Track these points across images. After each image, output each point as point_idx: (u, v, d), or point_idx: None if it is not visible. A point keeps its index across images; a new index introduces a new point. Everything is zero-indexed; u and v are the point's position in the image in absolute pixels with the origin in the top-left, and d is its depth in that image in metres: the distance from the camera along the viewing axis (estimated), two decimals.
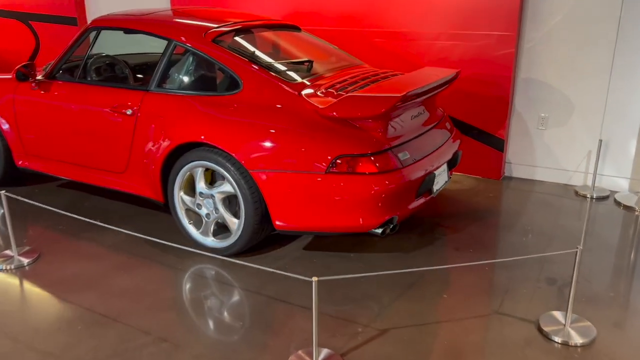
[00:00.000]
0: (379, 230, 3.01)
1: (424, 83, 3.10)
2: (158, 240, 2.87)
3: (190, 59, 3.43)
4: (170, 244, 2.85)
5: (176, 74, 3.44)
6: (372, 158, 2.91)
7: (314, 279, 2.19)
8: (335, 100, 3.00)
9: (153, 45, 4.42)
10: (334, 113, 2.92)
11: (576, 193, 4.39)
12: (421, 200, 3.23)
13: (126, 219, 3.84)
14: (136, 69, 4.45)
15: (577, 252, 2.47)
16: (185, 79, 3.44)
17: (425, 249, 3.42)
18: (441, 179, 3.42)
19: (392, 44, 4.73)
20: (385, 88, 3.10)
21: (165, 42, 3.46)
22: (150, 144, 3.35)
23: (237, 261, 2.64)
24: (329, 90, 3.18)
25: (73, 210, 3.97)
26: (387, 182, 2.91)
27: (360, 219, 2.95)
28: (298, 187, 2.95)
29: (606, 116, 4.32)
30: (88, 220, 3.15)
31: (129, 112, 3.41)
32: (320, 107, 2.98)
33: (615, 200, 4.23)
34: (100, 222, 3.76)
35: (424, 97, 3.21)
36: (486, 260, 3.05)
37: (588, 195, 4.32)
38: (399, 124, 3.16)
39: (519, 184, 4.60)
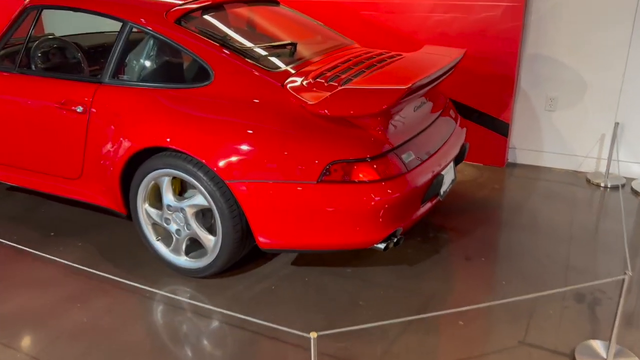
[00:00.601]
0: (382, 246, 2.56)
1: (432, 70, 2.61)
2: (117, 279, 2.38)
3: (150, 44, 2.88)
4: (132, 283, 2.37)
5: (134, 63, 2.89)
6: (372, 163, 2.44)
7: (313, 335, 1.73)
8: (327, 94, 2.50)
9: (112, 23, 3.83)
10: (326, 111, 2.42)
11: (588, 181, 3.98)
12: (427, 206, 2.77)
13: (87, 230, 3.32)
14: (91, 52, 3.87)
15: (624, 279, 2.05)
16: (145, 68, 2.89)
17: (431, 259, 2.99)
18: (448, 177, 2.96)
19: (382, 18, 4.20)
20: (385, 77, 2.61)
21: (119, 24, 2.89)
22: (106, 148, 2.82)
23: (212, 308, 2.18)
24: (317, 80, 2.67)
25: (22, 220, 3.44)
26: (389, 191, 2.44)
27: (360, 235, 2.49)
28: (284, 200, 2.46)
29: (622, 96, 3.89)
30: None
31: (79, 109, 2.86)
32: (309, 102, 2.48)
33: (632, 189, 3.84)
34: (54, 235, 3.27)
35: (431, 87, 2.72)
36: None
37: (602, 184, 3.91)
38: (401, 118, 2.68)
39: (525, 172, 4.17)
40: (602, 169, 4.08)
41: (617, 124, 3.87)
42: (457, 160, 3.12)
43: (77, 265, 2.65)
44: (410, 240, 3.16)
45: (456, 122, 3.24)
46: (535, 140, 4.22)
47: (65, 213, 3.52)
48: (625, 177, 3.98)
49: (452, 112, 3.27)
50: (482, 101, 4.13)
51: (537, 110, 4.14)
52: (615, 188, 3.88)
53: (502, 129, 4.14)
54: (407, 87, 2.36)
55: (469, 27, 3.97)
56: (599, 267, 2.89)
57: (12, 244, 3.07)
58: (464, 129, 3.30)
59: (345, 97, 2.42)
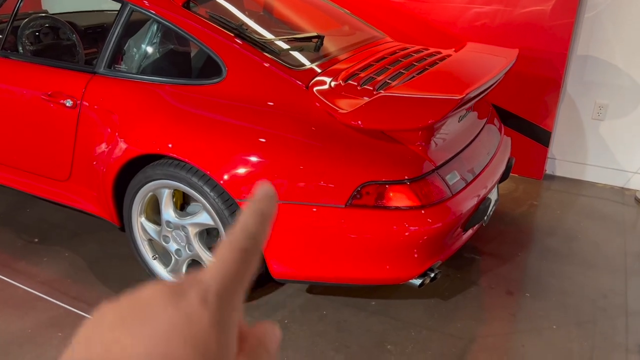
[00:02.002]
0: (417, 282, 2.16)
1: (487, 76, 2.19)
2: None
3: (153, 30, 2.46)
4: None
5: (134, 52, 2.48)
6: (411, 185, 2.04)
7: None
8: (361, 100, 2.09)
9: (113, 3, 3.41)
10: (360, 122, 2.02)
11: (638, 201, 3.57)
12: (469, 233, 2.38)
13: (76, 237, 2.94)
14: (89, 34, 3.45)
15: None
16: (146, 59, 2.48)
17: (467, 292, 2.59)
18: (493, 198, 2.56)
19: (413, 7, 3.76)
20: (431, 83, 2.19)
21: (118, 5, 2.48)
22: (98, 149, 2.42)
23: None
24: (348, 82, 2.25)
25: (3, 222, 3.05)
26: (429, 220, 2.04)
27: (392, 270, 2.10)
28: (305, 224, 2.07)
29: None
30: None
31: (68, 102, 2.45)
32: (340, 110, 2.07)
33: None
34: (39, 242, 2.89)
35: (482, 95, 2.31)
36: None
37: None
38: (445, 131, 2.27)
39: (566, 186, 3.76)
40: None
41: None
42: (502, 177, 2.71)
43: (62, 278, 2.26)
44: (443, 266, 2.76)
45: (501, 133, 2.83)
46: (579, 152, 3.80)
47: (53, 216, 3.14)
48: None
49: (496, 121, 2.86)
50: (523, 105, 3.70)
51: (583, 118, 3.71)
52: None
53: (543, 138, 3.72)
54: (461, 97, 1.94)
55: (513, 22, 3.53)
56: None
57: None
58: (509, 140, 2.89)
59: (384, 107, 2.01)
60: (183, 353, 0.31)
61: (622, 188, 3.74)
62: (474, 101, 2.25)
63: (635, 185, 3.72)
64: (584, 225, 3.24)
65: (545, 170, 3.90)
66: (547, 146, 3.73)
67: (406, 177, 2.03)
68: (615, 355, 2.22)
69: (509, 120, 3.75)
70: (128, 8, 2.42)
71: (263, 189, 0.38)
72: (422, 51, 2.74)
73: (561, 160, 3.87)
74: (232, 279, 0.35)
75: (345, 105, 2.10)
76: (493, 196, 2.57)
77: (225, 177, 2.09)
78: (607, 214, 3.40)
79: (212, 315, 0.33)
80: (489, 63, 2.43)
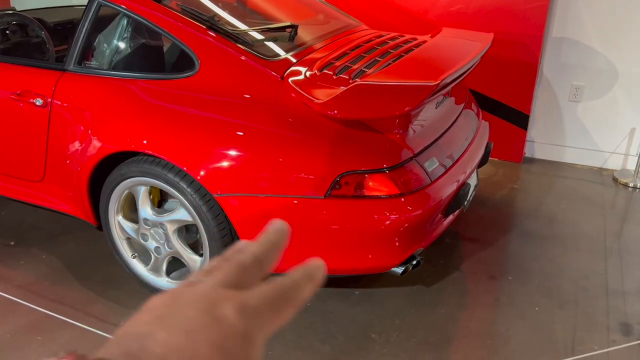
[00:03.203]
0: (399, 270, 2.16)
1: (463, 61, 2.18)
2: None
3: (123, 24, 2.41)
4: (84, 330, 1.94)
5: (104, 47, 2.42)
6: (390, 174, 2.02)
7: None
8: (337, 89, 2.06)
9: None
10: (336, 111, 1.99)
11: (615, 180, 3.60)
12: (450, 219, 2.38)
13: (54, 238, 2.88)
14: (59, 31, 3.37)
15: None
16: (117, 54, 2.42)
17: (450, 278, 2.60)
18: (472, 183, 2.56)
19: None
20: (407, 70, 2.18)
21: (86, 0, 2.42)
22: (71, 148, 2.37)
23: None
24: (324, 71, 2.23)
25: None
26: (410, 208, 2.03)
27: (374, 259, 2.09)
28: (285, 217, 2.03)
29: None
30: None
31: (38, 101, 2.40)
32: (316, 100, 2.05)
33: None
34: (15, 244, 2.83)
35: (458, 81, 2.29)
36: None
37: (630, 184, 3.54)
38: (422, 118, 2.26)
39: (545, 169, 3.78)
40: (630, 167, 3.70)
41: None
42: (481, 162, 2.71)
43: (40, 280, 2.22)
44: (424, 253, 2.76)
45: (478, 118, 2.83)
46: (557, 134, 3.83)
47: (29, 217, 3.07)
48: None
49: (473, 106, 2.86)
50: (500, 90, 3.71)
51: (560, 100, 3.73)
52: None
53: (522, 121, 3.73)
54: (436, 83, 1.93)
55: (488, 6, 3.53)
56: None
57: None
58: (487, 125, 2.89)
59: (360, 95, 1.99)
60: (209, 354, 0.33)
61: (600, 168, 3.78)
62: (450, 87, 2.24)
63: (613, 165, 3.76)
64: (564, 206, 3.27)
65: (525, 154, 3.92)
66: (526, 129, 3.75)
67: (385, 165, 2.02)
68: (596, 334, 2.24)
69: (487, 104, 3.75)
70: (96, 2, 2.37)
71: (275, 224, 0.43)
72: (398, 38, 2.72)
73: (540, 142, 3.89)
74: (268, 302, 0.38)
75: (321, 95, 2.08)
76: (473, 181, 2.57)
77: (202, 172, 2.06)
78: (587, 194, 3.43)
79: (245, 327, 0.36)
80: (464, 48, 2.42)
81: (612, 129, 3.68)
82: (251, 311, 0.37)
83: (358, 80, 2.11)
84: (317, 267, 0.42)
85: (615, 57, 3.51)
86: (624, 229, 3.04)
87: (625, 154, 3.70)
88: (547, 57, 3.66)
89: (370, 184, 2.02)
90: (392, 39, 2.70)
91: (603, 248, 2.84)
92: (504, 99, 3.72)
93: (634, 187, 3.52)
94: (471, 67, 2.35)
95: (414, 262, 2.17)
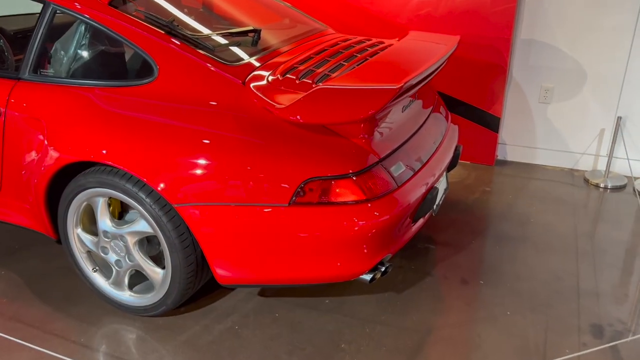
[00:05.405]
0: (368, 277, 2.11)
1: (427, 63, 2.15)
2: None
3: (80, 31, 2.33)
4: (48, 353, 1.86)
5: (60, 55, 2.34)
6: (356, 179, 1.98)
7: None
8: (300, 94, 2.02)
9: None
10: (298, 117, 1.94)
11: (586, 181, 3.61)
12: (419, 224, 2.34)
13: (13, 253, 2.77)
14: (19, 38, 3.27)
15: None
16: (74, 62, 2.34)
17: (421, 283, 2.56)
18: (441, 187, 2.53)
19: None
20: (371, 73, 2.13)
21: (40, 6, 2.34)
22: (27, 159, 2.29)
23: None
24: (287, 75, 2.18)
25: None
26: (376, 213, 1.99)
27: (341, 267, 2.04)
28: (248, 227, 1.99)
29: (625, 88, 3.51)
30: None
31: None
32: (277, 105, 2.00)
33: (635, 190, 3.49)
34: None
35: (424, 83, 2.26)
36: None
37: (601, 184, 3.55)
38: (388, 122, 2.22)
39: (517, 171, 3.78)
40: (600, 167, 3.72)
41: (619, 118, 3.50)
42: (450, 166, 2.69)
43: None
44: (394, 258, 2.72)
45: (447, 121, 2.80)
46: (528, 136, 3.83)
47: None
48: (626, 177, 3.62)
49: (442, 109, 2.83)
50: (470, 92, 3.70)
51: (530, 102, 3.74)
52: (616, 189, 3.51)
53: (493, 124, 3.73)
54: (399, 86, 1.90)
55: (457, 9, 3.52)
56: (612, 289, 2.51)
57: None
58: (456, 128, 2.87)
59: (322, 100, 1.94)
60: None
61: (572, 169, 3.79)
62: (415, 89, 2.20)
63: (584, 166, 3.77)
64: (536, 208, 3.26)
65: (497, 156, 3.92)
66: (497, 132, 3.74)
67: (350, 170, 1.98)
68: (568, 337, 2.22)
69: (458, 107, 3.74)
70: (51, 8, 2.29)
71: None
72: (365, 42, 2.69)
73: (511, 145, 3.89)
74: None
75: (284, 100, 2.03)
76: (442, 185, 2.54)
77: (162, 182, 1.99)
78: (558, 196, 3.42)
79: None
80: (429, 50, 2.39)
81: (582, 129, 3.69)
82: None
83: (320, 84, 2.06)
84: None
85: (583, 57, 3.53)
86: (595, 229, 3.03)
87: (595, 154, 3.72)
88: (516, 59, 3.66)
89: (335, 190, 1.97)
90: (358, 42, 2.66)
91: (575, 249, 2.83)
92: (474, 102, 3.71)
93: (605, 188, 3.53)
94: (437, 69, 2.32)
95: (383, 269, 2.12)
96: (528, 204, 3.31)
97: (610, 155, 3.55)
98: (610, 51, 3.45)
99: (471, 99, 3.71)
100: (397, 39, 2.86)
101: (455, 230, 3.00)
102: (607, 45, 3.45)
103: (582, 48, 3.50)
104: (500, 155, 3.93)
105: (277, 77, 2.16)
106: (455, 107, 3.74)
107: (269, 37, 2.55)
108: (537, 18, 3.52)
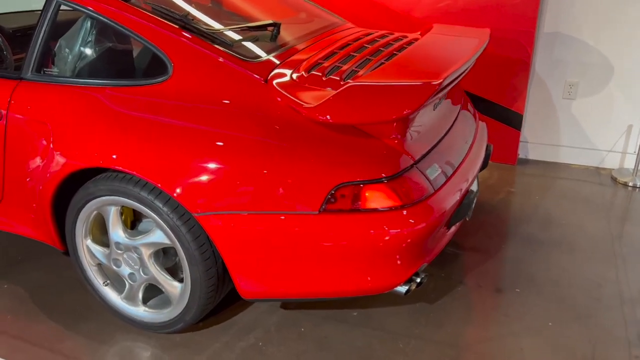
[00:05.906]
0: (403, 290, 1.95)
1: (463, 59, 1.99)
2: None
3: (87, 26, 2.17)
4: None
5: (66, 52, 2.18)
6: (390, 183, 1.82)
7: None
8: (328, 92, 1.86)
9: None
10: (328, 116, 1.78)
11: (614, 179, 3.46)
12: (453, 230, 2.18)
13: (16, 265, 2.61)
14: (18, 37, 3.11)
15: None
16: (81, 60, 2.18)
17: (453, 293, 2.40)
18: (473, 189, 2.37)
19: None
20: (403, 69, 1.98)
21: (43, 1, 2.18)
22: (31, 166, 2.12)
23: None
24: (312, 72, 2.02)
25: None
26: (412, 221, 1.83)
27: (375, 279, 1.88)
28: (275, 237, 1.83)
29: None
30: None
31: None
32: (305, 104, 1.84)
33: None
34: None
35: (459, 80, 2.10)
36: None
37: (630, 183, 3.40)
38: (420, 122, 2.06)
39: (541, 170, 3.62)
40: (628, 165, 3.56)
41: None
42: (482, 166, 2.53)
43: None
44: (427, 268, 2.56)
45: (476, 119, 2.65)
46: (551, 133, 3.67)
47: None
48: None
49: (470, 107, 2.68)
50: (491, 89, 3.54)
51: (553, 98, 3.58)
52: None
53: (515, 121, 3.57)
54: (439, 81, 1.74)
55: (478, 1, 3.36)
56: None
57: None
58: (485, 126, 2.71)
59: (355, 98, 1.78)
60: None
61: (597, 168, 3.64)
62: (451, 86, 2.04)
63: (610, 164, 3.61)
64: (565, 209, 3.10)
65: (519, 155, 3.76)
66: (520, 129, 3.59)
67: (383, 175, 1.82)
68: (617, 349, 2.06)
69: (478, 104, 3.59)
70: (54, 3, 2.12)
71: None
72: (387, 36, 2.53)
73: (534, 143, 3.74)
74: None
75: (311, 98, 1.87)
76: (474, 187, 2.39)
77: (179, 189, 1.83)
78: (586, 195, 3.27)
79: None
80: (461, 45, 2.23)
81: (609, 126, 3.54)
82: None
83: (350, 81, 1.90)
84: None
85: (609, 51, 3.37)
86: (630, 231, 2.88)
87: (622, 152, 3.56)
88: (539, 53, 3.51)
89: (368, 195, 1.81)
90: (381, 37, 2.50)
91: (612, 253, 2.68)
92: (495, 99, 3.55)
93: (634, 186, 3.38)
94: (471, 65, 2.16)
95: (418, 280, 1.97)
96: (556, 204, 3.16)
97: (639, 153, 3.39)
98: (637, 44, 3.30)
99: (492, 96, 3.55)
100: (419, 33, 2.70)
101: (483, 234, 2.85)
102: (634, 38, 3.30)
103: (609, 41, 3.35)
104: (521, 153, 3.78)
105: (302, 74, 2.00)
106: (476, 104, 3.58)
107: (287, 33, 2.39)
108: (561, 9, 3.36)
